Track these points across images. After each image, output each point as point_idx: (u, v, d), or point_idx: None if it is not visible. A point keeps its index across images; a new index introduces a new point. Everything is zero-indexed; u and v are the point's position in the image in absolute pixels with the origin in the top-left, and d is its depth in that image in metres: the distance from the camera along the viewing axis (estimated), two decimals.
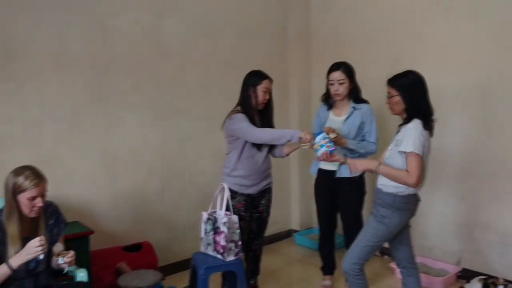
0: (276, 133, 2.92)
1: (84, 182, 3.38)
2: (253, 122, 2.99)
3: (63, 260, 2.21)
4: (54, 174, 3.19)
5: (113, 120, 3.50)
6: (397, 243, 2.72)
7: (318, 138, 2.76)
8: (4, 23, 2.98)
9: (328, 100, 3.34)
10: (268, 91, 3.05)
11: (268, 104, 3.10)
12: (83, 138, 3.36)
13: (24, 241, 2.28)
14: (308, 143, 2.81)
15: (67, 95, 3.26)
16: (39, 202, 2.26)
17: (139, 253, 3.42)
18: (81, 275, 2.50)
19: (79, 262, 2.80)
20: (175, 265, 3.82)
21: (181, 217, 3.93)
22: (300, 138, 2.83)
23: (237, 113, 3.02)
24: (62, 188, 3.25)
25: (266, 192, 3.22)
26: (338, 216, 3.47)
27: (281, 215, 4.76)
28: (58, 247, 2.26)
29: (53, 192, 3.06)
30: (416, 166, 2.43)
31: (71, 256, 2.24)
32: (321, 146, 2.75)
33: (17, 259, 2.16)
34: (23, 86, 3.07)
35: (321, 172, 3.40)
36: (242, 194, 3.07)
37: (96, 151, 3.43)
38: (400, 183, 2.48)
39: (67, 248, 2.54)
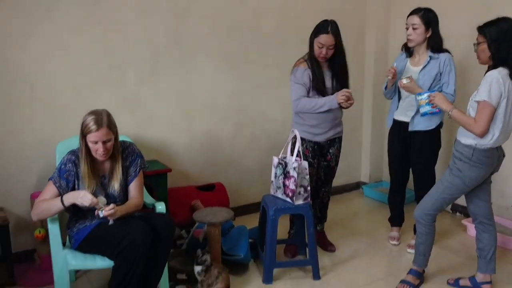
0: (316, 104, 2.99)
1: (162, 123, 3.56)
2: (314, 73, 2.99)
3: (102, 213, 2.29)
4: (136, 115, 3.42)
5: (190, 66, 3.60)
6: (474, 197, 2.65)
7: (425, 96, 2.70)
8: None
9: (409, 48, 3.21)
10: (325, 47, 2.92)
11: (336, 56, 3.00)
12: (162, 82, 3.51)
13: (101, 179, 2.48)
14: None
15: (148, 40, 3.39)
16: (100, 148, 2.35)
17: (212, 192, 3.60)
18: (160, 207, 2.69)
19: (158, 196, 3.04)
20: (244, 208, 3.98)
21: (252, 162, 4.05)
22: (339, 104, 2.95)
23: (300, 63, 3.03)
24: (142, 129, 3.45)
25: (335, 142, 3.22)
26: (411, 170, 3.40)
27: (351, 166, 4.74)
28: (101, 200, 2.34)
29: (134, 132, 3.30)
30: (484, 115, 2.36)
31: (109, 210, 2.29)
32: (427, 104, 2.70)
33: (69, 199, 2.33)
34: (107, 30, 3.23)
35: (395, 123, 3.32)
36: (310, 141, 3.10)
37: (174, 95, 3.58)
38: (468, 130, 2.44)
39: (146, 185, 2.72)
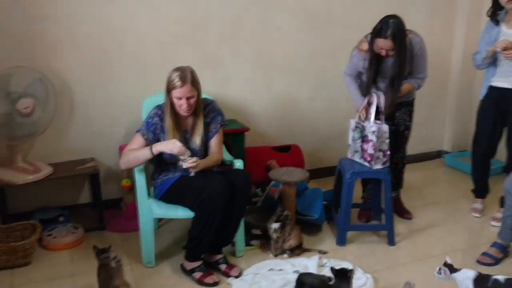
0: (350, 94, 3.08)
1: (241, 83, 3.61)
2: (370, 63, 2.88)
3: (185, 164, 2.39)
4: (216, 74, 3.49)
5: (270, 25, 3.58)
6: None
7: None
8: None
9: (495, 15, 2.94)
10: (384, 50, 2.74)
11: (395, 56, 2.78)
12: (242, 42, 3.53)
13: (183, 134, 2.58)
14: None
15: None
16: (183, 103, 2.43)
17: (288, 154, 3.62)
18: (238, 164, 2.76)
19: (235, 154, 3.12)
20: (319, 171, 3.96)
21: (329, 126, 4.00)
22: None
23: (362, 48, 2.91)
24: (222, 88, 3.52)
25: (402, 105, 3.06)
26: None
27: (433, 134, 4.54)
28: (186, 152, 2.42)
29: (215, 91, 3.37)
30: None
31: (192, 162, 2.39)
32: None
33: (157, 147, 2.45)
34: None
35: (492, 90, 3.06)
36: None
37: (253, 54, 3.59)
38: None
39: (225, 143, 2.80)
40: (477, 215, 3.32)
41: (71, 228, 3.03)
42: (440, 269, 2.21)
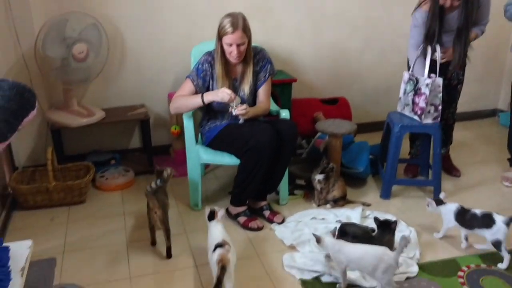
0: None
1: (290, 33, 3.54)
2: (433, 15, 2.68)
3: (235, 111, 2.41)
4: (265, 23, 3.44)
5: None
6: None
7: None
8: None
9: None
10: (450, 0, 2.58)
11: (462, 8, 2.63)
12: None
13: (232, 81, 2.58)
14: None
15: None
16: (233, 50, 2.42)
17: (335, 106, 3.58)
18: (284, 114, 2.76)
19: (282, 105, 3.11)
20: (366, 125, 3.89)
21: (378, 80, 3.90)
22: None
23: (424, 4, 2.70)
24: (271, 37, 3.47)
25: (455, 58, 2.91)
26: None
27: (487, 91, 4.33)
28: (236, 99, 2.43)
29: (263, 40, 3.32)
30: None
31: (242, 109, 2.41)
32: None
33: (208, 96, 2.48)
34: None
35: None
36: None
37: (304, 4, 3.50)
38: None
39: (272, 93, 2.79)
40: (508, 184, 3.12)
41: (122, 170, 3.16)
42: (428, 202, 2.43)
